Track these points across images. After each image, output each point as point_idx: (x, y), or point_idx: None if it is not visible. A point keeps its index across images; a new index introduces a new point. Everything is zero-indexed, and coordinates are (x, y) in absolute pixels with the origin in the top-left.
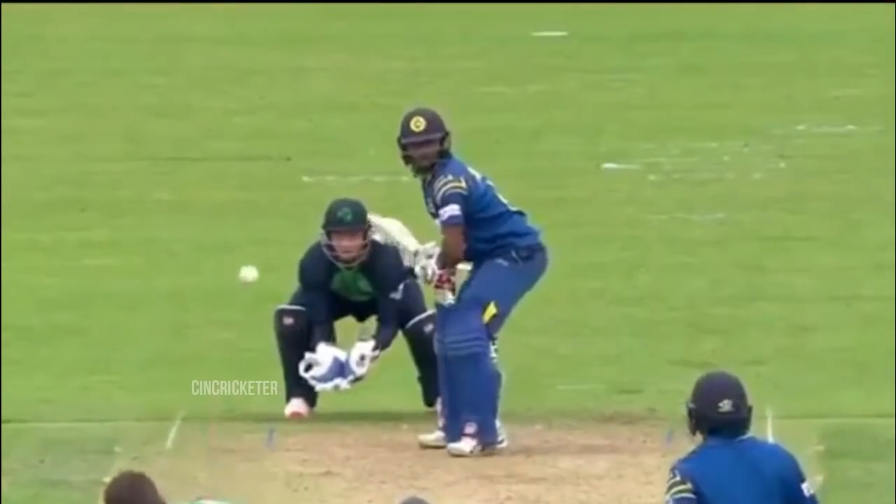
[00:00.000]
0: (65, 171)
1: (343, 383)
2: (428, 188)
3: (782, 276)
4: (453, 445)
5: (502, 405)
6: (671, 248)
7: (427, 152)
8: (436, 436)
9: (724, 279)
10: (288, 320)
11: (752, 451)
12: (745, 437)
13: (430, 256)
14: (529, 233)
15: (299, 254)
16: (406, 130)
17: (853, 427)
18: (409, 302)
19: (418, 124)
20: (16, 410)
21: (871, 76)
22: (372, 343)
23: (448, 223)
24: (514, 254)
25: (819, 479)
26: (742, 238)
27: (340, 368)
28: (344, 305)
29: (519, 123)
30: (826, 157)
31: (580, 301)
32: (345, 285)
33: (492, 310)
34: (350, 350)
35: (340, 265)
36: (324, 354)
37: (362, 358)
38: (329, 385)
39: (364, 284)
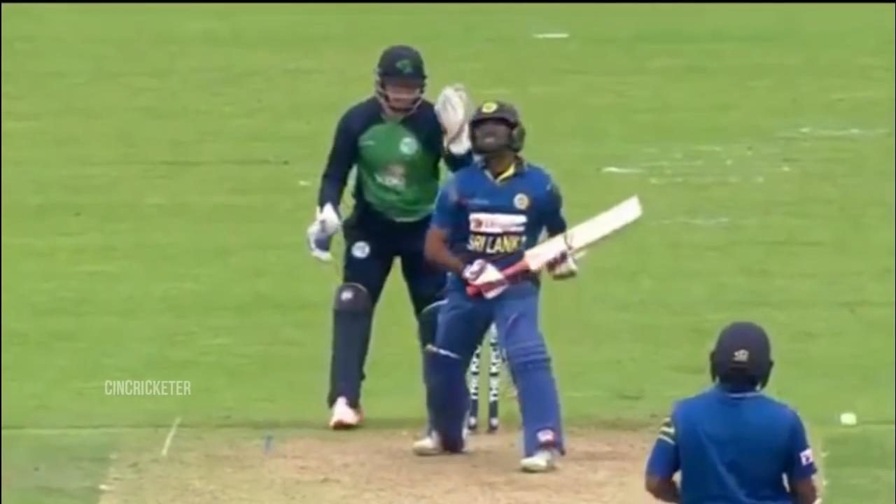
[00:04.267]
0: (58, 174)
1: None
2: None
3: (786, 281)
4: (528, 461)
5: (502, 411)
6: (674, 252)
7: (500, 132)
8: (434, 442)
9: (728, 284)
10: (346, 294)
11: (751, 410)
12: (754, 393)
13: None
14: None
15: (297, 258)
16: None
17: (858, 434)
18: (430, 284)
19: (489, 106)
20: (10, 417)
21: (877, 78)
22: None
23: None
24: (538, 279)
25: (824, 485)
26: (746, 243)
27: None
28: (386, 239)
29: None
30: (831, 161)
31: (581, 306)
32: (381, 143)
33: (538, 324)
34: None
35: (386, 113)
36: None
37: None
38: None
39: (407, 143)
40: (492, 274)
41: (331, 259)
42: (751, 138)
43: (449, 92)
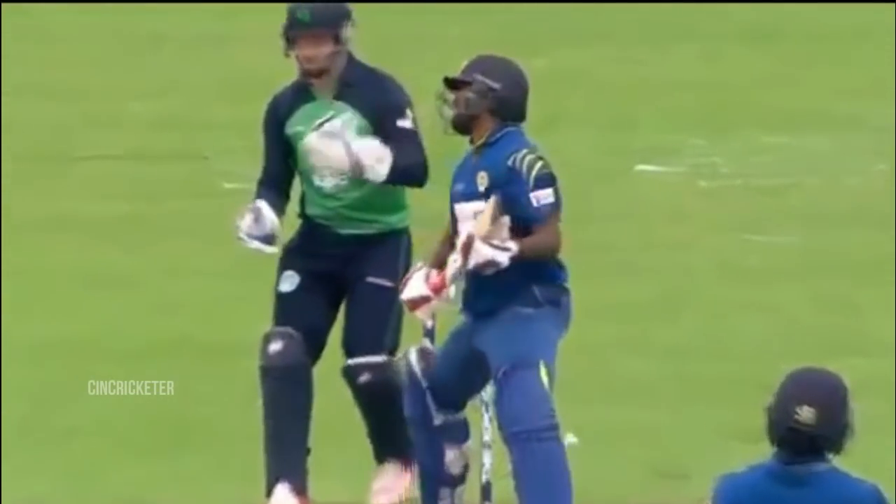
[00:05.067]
0: None
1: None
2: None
3: (881, 318)
4: None
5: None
6: (728, 280)
7: (460, 99)
8: None
9: (802, 322)
10: (274, 346)
11: (815, 488)
12: (823, 467)
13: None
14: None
15: (218, 284)
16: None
17: None
18: (364, 329)
19: (460, 66)
20: None
21: None
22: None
23: (551, 211)
24: (537, 295)
25: None
26: (827, 266)
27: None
28: (319, 258)
29: None
30: None
31: (604, 352)
32: (311, 124)
33: (543, 374)
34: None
35: (315, 87)
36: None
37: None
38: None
39: (346, 120)
40: (414, 289)
41: (276, 251)
42: (835, 127)
43: (311, 138)
